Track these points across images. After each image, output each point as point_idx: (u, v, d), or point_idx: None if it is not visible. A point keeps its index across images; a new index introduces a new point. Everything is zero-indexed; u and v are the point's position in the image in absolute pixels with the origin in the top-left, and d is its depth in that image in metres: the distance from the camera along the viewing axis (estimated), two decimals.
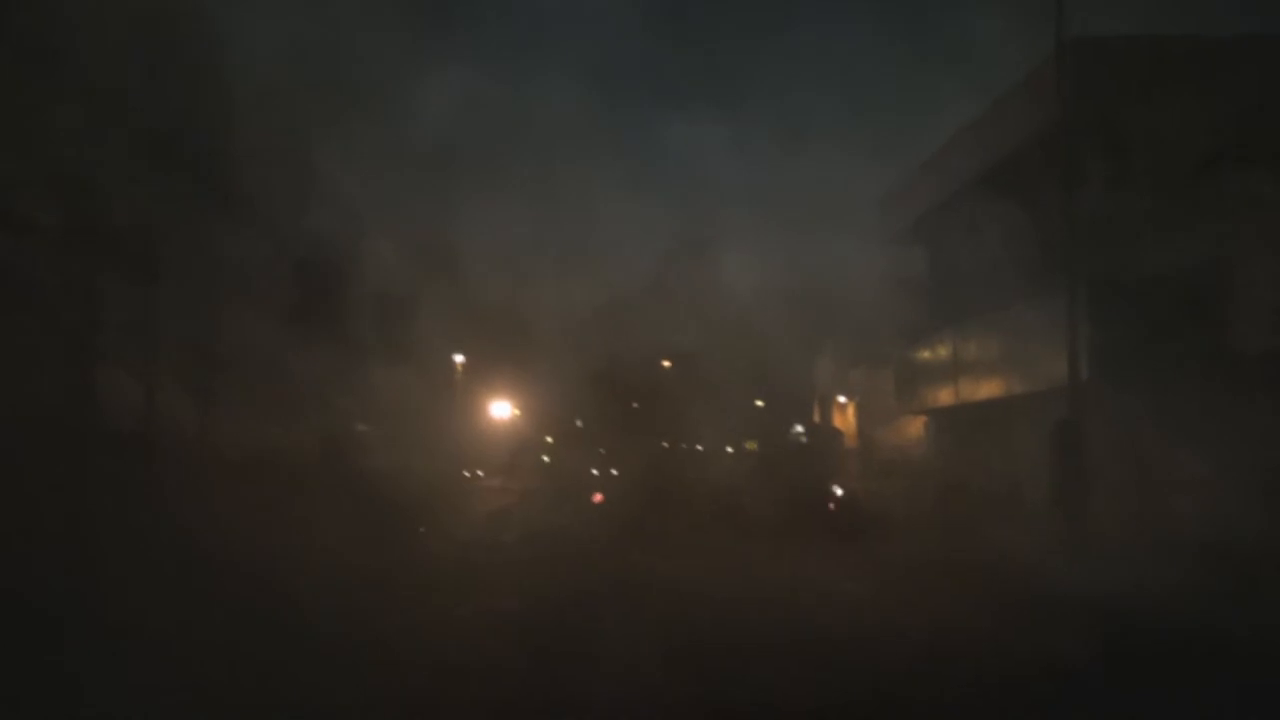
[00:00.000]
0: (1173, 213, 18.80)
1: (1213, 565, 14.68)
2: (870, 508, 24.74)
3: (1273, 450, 17.22)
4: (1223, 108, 18.61)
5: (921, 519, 22.45)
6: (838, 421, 43.61)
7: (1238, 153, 17.67)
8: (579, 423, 55.03)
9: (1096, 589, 14.47)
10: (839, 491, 30.44)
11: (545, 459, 56.16)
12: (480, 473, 48.77)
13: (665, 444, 54.88)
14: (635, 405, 56.84)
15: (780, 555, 18.70)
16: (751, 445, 50.52)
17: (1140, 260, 19.18)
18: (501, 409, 52.16)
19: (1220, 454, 17.54)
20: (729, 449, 54.66)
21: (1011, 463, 22.31)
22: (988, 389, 23.22)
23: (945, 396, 25.28)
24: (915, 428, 31.07)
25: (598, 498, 38.35)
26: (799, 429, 43.36)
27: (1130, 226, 19.48)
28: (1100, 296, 19.33)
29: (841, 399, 43.07)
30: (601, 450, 54.87)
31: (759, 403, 53.88)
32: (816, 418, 45.55)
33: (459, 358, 47.46)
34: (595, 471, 49.24)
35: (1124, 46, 19.77)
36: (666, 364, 52.77)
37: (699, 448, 56.96)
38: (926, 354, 26.42)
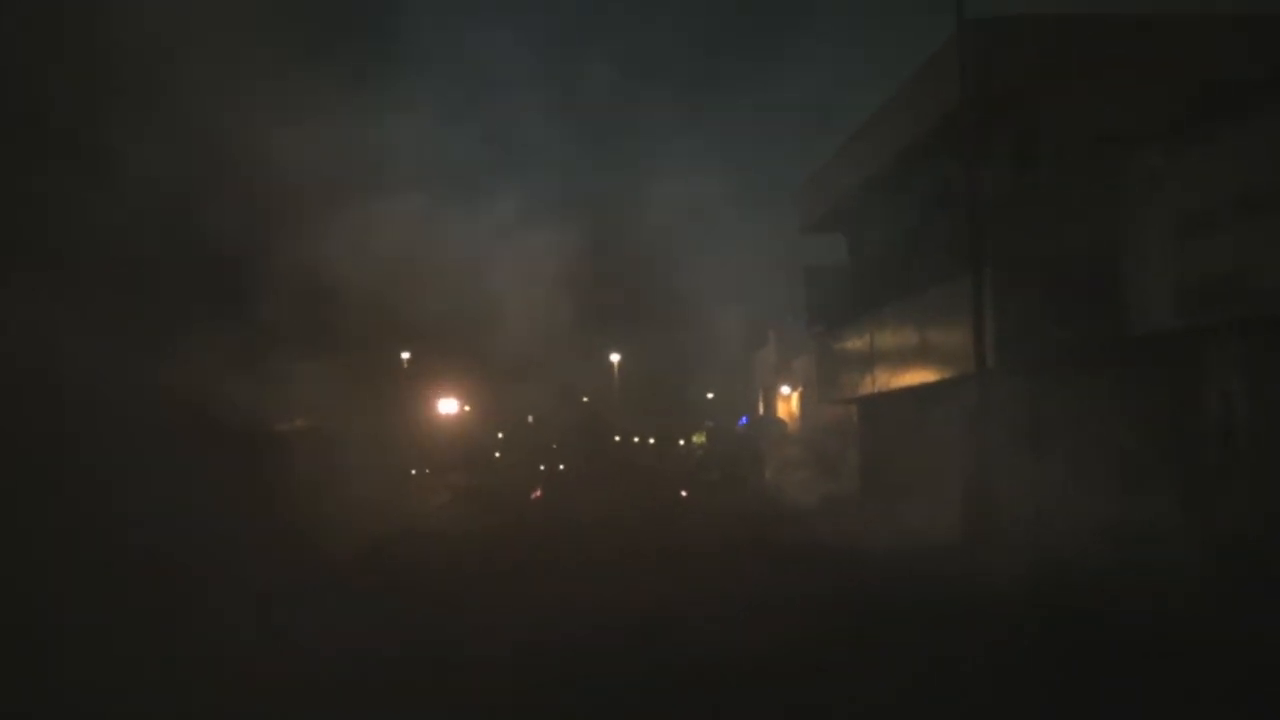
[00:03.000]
0: (1075, 195, 18.63)
1: (1095, 547, 14.70)
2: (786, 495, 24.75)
3: (1168, 432, 17.06)
4: (1124, 88, 18.45)
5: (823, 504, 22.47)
6: (782, 411, 43.52)
7: (1137, 133, 17.44)
8: (530, 418, 54.72)
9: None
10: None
11: (496, 455, 55.80)
12: (427, 470, 48.39)
13: (616, 437, 54.71)
14: (585, 399, 56.63)
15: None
16: (699, 438, 50.41)
17: (1045, 243, 19.00)
18: (449, 405, 51.75)
19: (1117, 436, 17.38)
20: (680, 441, 54.60)
21: (928, 449, 22.11)
22: (903, 377, 23.02)
23: (864, 385, 25.07)
24: (853, 414, 30.91)
25: (537, 494, 38.20)
26: (743, 421, 43.26)
27: (1035, 210, 19.31)
28: (1006, 281, 19.14)
29: (785, 389, 42.95)
30: (553, 445, 54.61)
31: (709, 395, 53.84)
32: (761, 408, 45.51)
33: (405, 354, 47.05)
34: (542, 466, 49.01)
35: (1025, 27, 19.55)
36: (615, 358, 52.55)
37: (650, 441, 56.88)
38: (846, 343, 26.21)
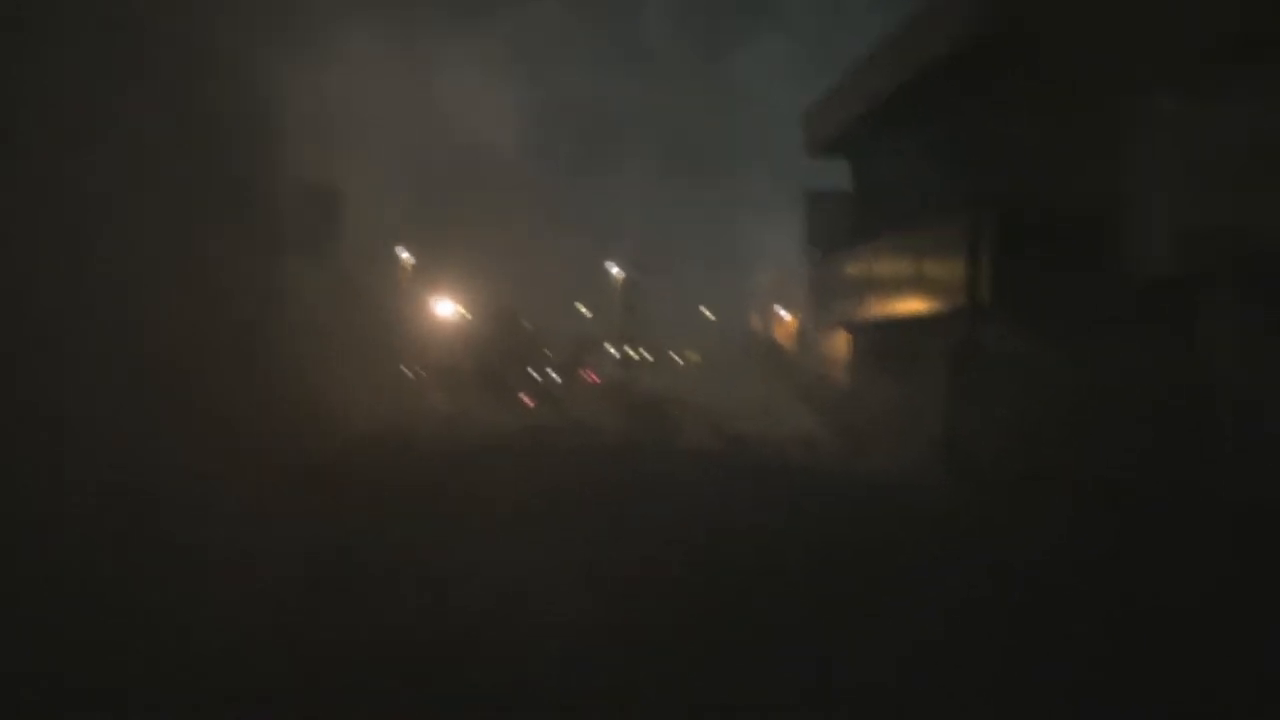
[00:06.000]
0: (1080, 138, 18.41)
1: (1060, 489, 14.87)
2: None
3: (1156, 380, 17.03)
4: (1137, 31, 18.15)
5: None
6: (779, 333, 43.59)
7: (1146, 77, 17.20)
8: (526, 324, 54.77)
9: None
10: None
11: (491, 358, 55.75)
12: (422, 370, 48.43)
13: (613, 350, 54.82)
14: (584, 310, 56.61)
15: None
16: (693, 356, 50.56)
17: (1047, 185, 18.83)
18: (446, 306, 51.76)
19: (1105, 382, 17.35)
20: (677, 358, 54.72)
21: (916, 382, 22.13)
22: (896, 308, 22.97)
23: (857, 313, 25.05)
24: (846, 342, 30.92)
25: (528, 401, 38.41)
26: (738, 340, 43.37)
27: (1038, 150, 19.09)
28: (1004, 220, 19.01)
29: (782, 312, 42.99)
30: (548, 352, 54.72)
31: (708, 313, 53.85)
32: (758, 329, 45.60)
33: (405, 254, 47.04)
34: (537, 376, 49.10)
35: None
36: (615, 269, 52.49)
37: (648, 356, 56.94)
38: (842, 270, 26.14)
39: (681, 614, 8.52)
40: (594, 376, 43.59)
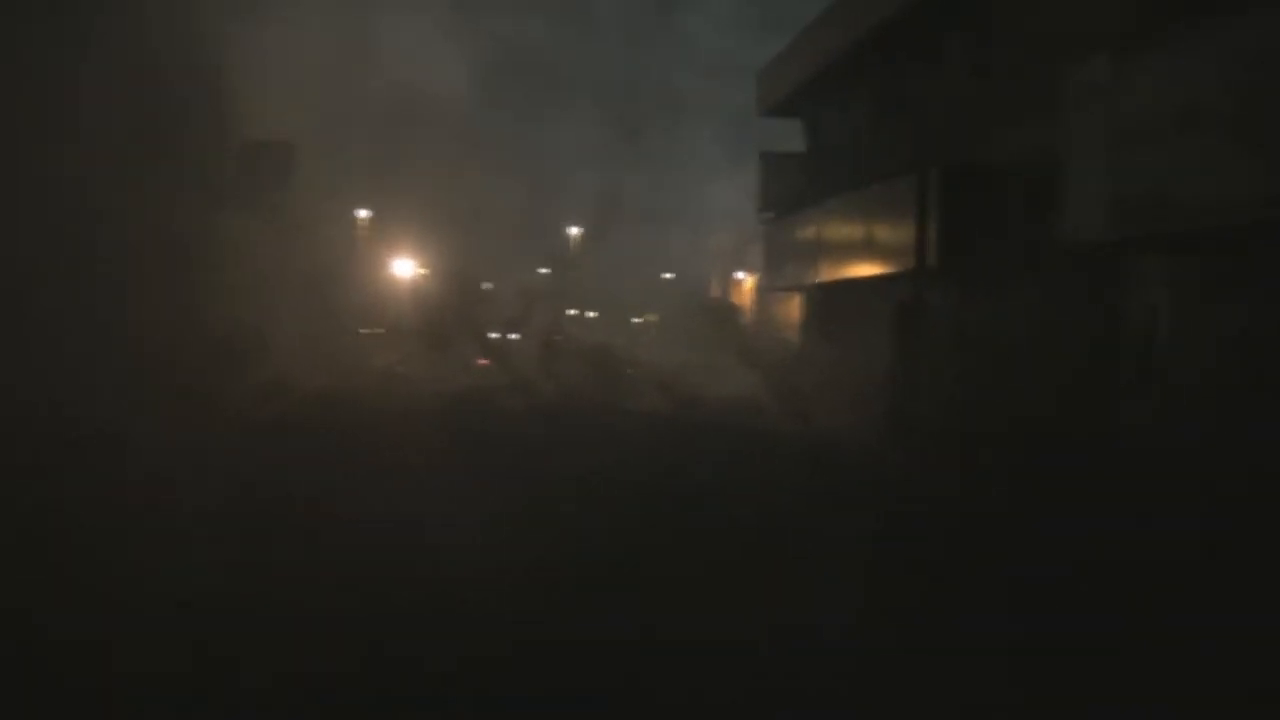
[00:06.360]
0: (1024, 102, 18.54)
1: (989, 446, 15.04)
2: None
3: (1091, 342, 17.25)
4: None
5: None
6: (735, 296, 43.75)
7: (1087, 42, 17.30)
8: (487, 285, 54.57)
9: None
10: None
11: (448, 318, 55.65)
12: (380, 329, 48.25)
13: (571, 311, 54.78)
14: (543, 270, 56.52)
15: None
16: (651, 317, 50.65)
17: (991, 149, 18.98)
18: (404, 266, 51.43)
19: (1043, 343, 17.57)
20: (635, 319, 54.77)
21: (864, 341, 22.33)
22: (846, 270, 23.13)
23: (809, 275, 25.19)
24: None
25: (483, 361, 38.36)
26: (695, 304, 43.47)
27: (984, 115, 19.24)
28: (950, 183, 19.14)
29: (739, 274, 43.11)
30: (505, 312, 54.62)
31: (667, 275, 53.89)
32: (715, 292, 45.73)
33: (363, 213, 46.74)
34: (495, 335, 49.01)
35: None
36: (574, 230, 52.44)
37: (604, 317, 56.93)
38: (794, 231, 26.25)
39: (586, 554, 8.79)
40: (550, 336, 43.65)
